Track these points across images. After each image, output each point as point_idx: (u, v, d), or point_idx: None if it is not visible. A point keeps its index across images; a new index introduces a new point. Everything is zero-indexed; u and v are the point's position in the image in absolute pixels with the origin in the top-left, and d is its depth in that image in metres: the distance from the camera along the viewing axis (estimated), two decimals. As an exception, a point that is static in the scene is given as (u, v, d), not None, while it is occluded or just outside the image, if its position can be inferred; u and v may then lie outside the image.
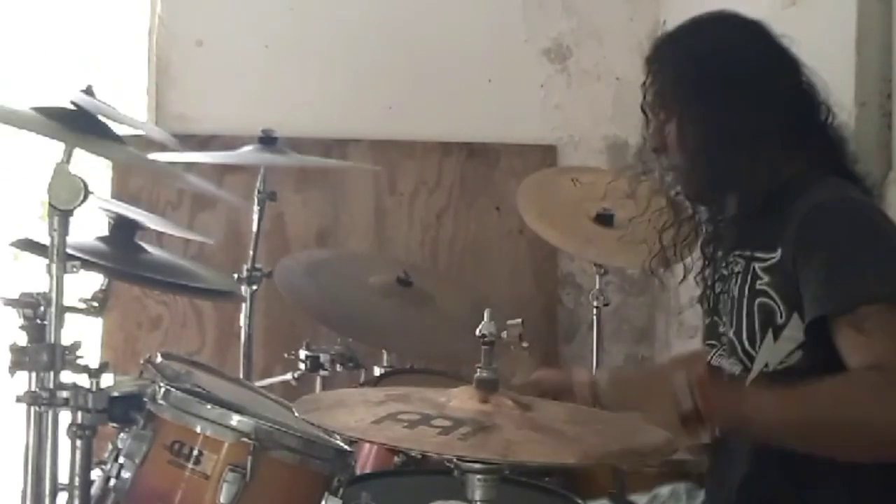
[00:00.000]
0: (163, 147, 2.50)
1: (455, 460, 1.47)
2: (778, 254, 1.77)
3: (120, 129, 2.01)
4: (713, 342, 1.95)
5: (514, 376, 1.93)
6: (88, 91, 1.96)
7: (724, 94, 1.83)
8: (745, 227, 1.88)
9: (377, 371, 2.92)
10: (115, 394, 1.91)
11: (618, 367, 1.88)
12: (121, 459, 1.86)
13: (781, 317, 1.76)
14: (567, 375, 2.19)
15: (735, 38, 1.90)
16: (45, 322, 1.84)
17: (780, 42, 1.91)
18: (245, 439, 1.78)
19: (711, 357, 1.95)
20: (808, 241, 1.72)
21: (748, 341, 1.81)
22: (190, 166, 2.74)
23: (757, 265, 1.81)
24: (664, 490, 2.06)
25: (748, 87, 1.83)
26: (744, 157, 1.83)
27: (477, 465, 1.46)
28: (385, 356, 3.03)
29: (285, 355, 3.07)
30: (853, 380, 1.64)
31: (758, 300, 1.79)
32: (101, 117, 1.95)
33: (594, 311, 3.01)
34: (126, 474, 1.85)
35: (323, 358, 2.95)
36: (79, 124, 1.88)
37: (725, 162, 1.83)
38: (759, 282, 1.80)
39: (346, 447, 1.91)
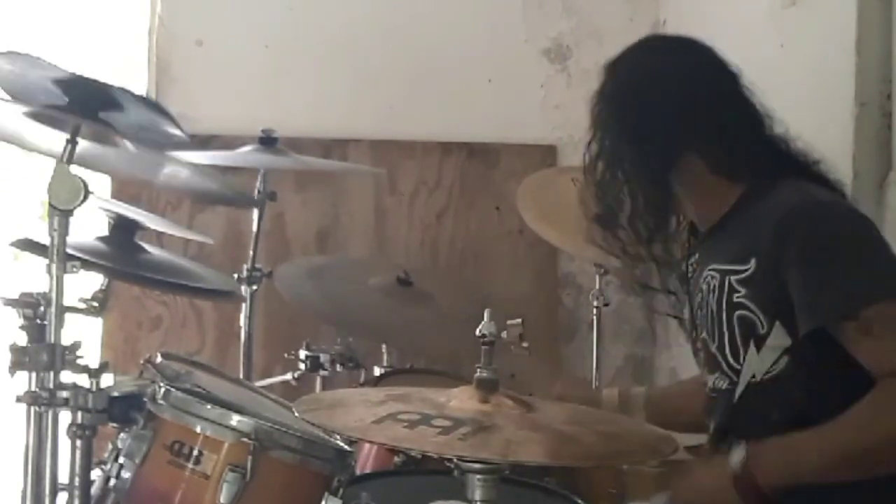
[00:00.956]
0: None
1: (455, 460, 1.48)
2: (752, 264, 1.76)
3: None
4: (696, 358, 1.96)
5: (534, 390, 1.93)
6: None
7: (651, 121, 1.83)
8: (716, 242, 1.87)
9: (377, 371, 2.92)
10: (115, 394, 1.91)
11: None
12: (121, 459, 1.86)
13: (763, 327, 1.75)
14: (589, 391, 2.20)
15: (659, 65, 1.89)
16: (45, 322, 1.85)
17: (713, 57, 1.89)
18: (245, 439, 1.78)
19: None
20: (787, 247, 1.71)
21: (731, 355, 1.80)
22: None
23: (732, 278, 1.80)
24: (660, 498, 2.06)
25: (676, 111, 1.83)
26: (665, 185, 1.84)
27: (477, 465, 1.46)
28: (385, 356, 3.02)
29: (285, 355, 3.07)
30: (880, 396, 1.64)
31: (737, 313, 1.79)
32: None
33: (594, 311, 3.02)
34: (126, 474, 1.85)
35: (323, 358, 2.95)
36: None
37: (657, 190, 1.84)
38: (736, 295, 1.79)
39: (346, 447, 1.91)
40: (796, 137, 1.90)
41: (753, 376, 1.78)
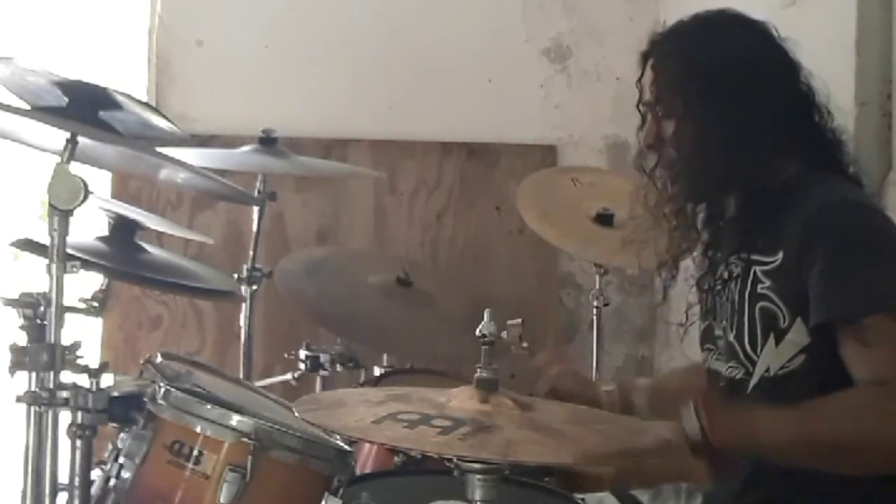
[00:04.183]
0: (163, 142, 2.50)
1: (455, 460, 1.48)
2: (780, 257, 1.76)
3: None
4: (710, 346, 1.95)
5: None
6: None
7: (725, 94, 1.81)
8: (745, 230, 1.87)
9: (377, 371, 2.92)
10: (115, 394, 1.91)
11: (657, 382, 1.91)
12: (121, 459, 1.86)
13: (784, 321, 1.75)
14: (586, 383, 2.18)
15: (737, 38, 1.88)
16: (45, 322, 1.84)
17: (781, 43, 1.90)
18: (245, 439, 1.78)
19: (708, 361, 1.95)
20: (813, 244, 1.71)
21: (749, 346, 1.80)
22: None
23: (758, 269, 1.79)
24: (667, 486, 2.06)
25: (748, 87, 1.82)
26: (743, 157, 1.81)
27: (477, 465, 1.46)
28: (385, 356, 3.02)
29: (285, 355, 3.07)
30: (856, 396, 1.64)
31: (759, 304, 1.78)
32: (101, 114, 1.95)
33: (594, 311, 3.02)
34: (126, 474, 1.85)
35: (323, 358, 2.95)
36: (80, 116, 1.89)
37: (724, 162, 1.81)
38: (760, 286, 1.78)
39: (346, 447, 1.91)
40: (840, 131, 1.89)
41: (767, 370, 1.78)
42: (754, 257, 1.81)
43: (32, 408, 1.85)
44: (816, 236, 1.71)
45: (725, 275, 1.87)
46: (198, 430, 1.82)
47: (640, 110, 1.93)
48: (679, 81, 1.85)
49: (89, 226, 2.18)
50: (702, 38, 1.89)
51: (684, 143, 1.85)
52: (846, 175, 1.87)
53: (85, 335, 1.93)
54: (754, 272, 1.80)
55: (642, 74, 1.92)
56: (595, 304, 3.01)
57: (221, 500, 1.76)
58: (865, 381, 1.65)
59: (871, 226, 1.75)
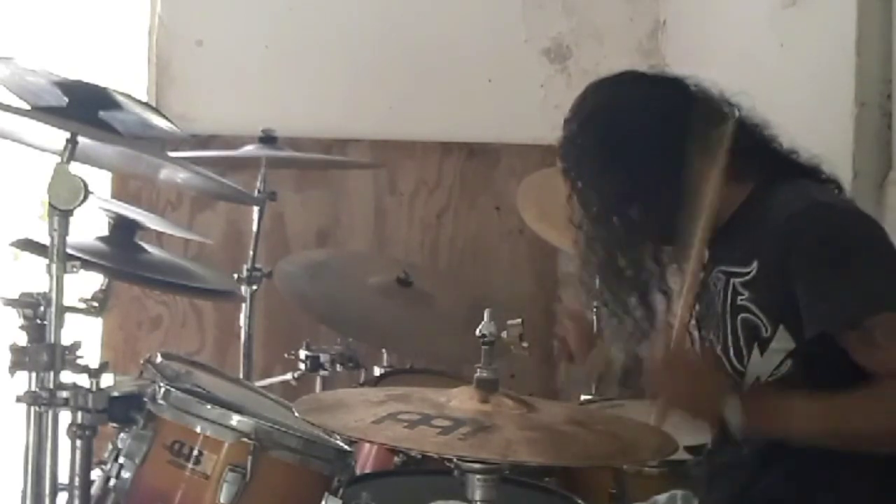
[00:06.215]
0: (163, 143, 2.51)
1: (455, 460, 1.48)
2: (754, 267, 1.76)
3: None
4: None
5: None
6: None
7: (655, 162, 1.83)
8: (722, 243, 1.87)
9: (377, 371, 2.92)
10: (115, 394, 1.92)
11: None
12: (121, 459, 1.87)
13: (766, 331, 1.75)
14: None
15: (636, 111, 1.90)
16: (45, 322, 1.85)
17: (654, 74, 1.92)
18: (245, 439, 1.78)
19: None
20: (790, 252, 1.70)
21: (735, 358, 1.80)
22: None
23: (735, 281, 1.80)
24: (661, 498, 2.06)
25: (674, 146, 1.82)
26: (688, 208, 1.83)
27: (477, 465, 1.46)
28: (385, 356, 3.02)
29: (285, 355, 3.07)
30: (885, 391, 1.64)
31: (740, 316, 1.78)
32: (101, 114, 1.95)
33: (594, 310, 3.01)
34: (126, 474, 1.86)
35: (323, 358, 2.95)
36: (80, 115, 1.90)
37: (678, 222, 1.83)
38: (739, 298, 1.79)
39: (346, 447, 1.91)
40: (791, 138, 1.90)
41: (757, 378, 1.78)
42: (731, 269, 1.81)
43: (32, 408, 1.85)
44: (792, 245, 1.71)
45: (711, 288, 1.87)
46: (198, 430, 1.82)
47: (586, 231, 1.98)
48: (592, 187, 1.89)
49: (89, 226, 2.18)
50: (607, 125, 1.95)
51: (637, 232, 1.89)
52: (807, 174, 1.86)
53: (85, 335, 1.93)
54: (733, 284, 1.80)
55: (573, 194, 1.94)
56: (595, 304, 3.01)
57: (221, 500, 1.77)
58: (882, 377, 1.65)
59: (847, 227, 1.75)
